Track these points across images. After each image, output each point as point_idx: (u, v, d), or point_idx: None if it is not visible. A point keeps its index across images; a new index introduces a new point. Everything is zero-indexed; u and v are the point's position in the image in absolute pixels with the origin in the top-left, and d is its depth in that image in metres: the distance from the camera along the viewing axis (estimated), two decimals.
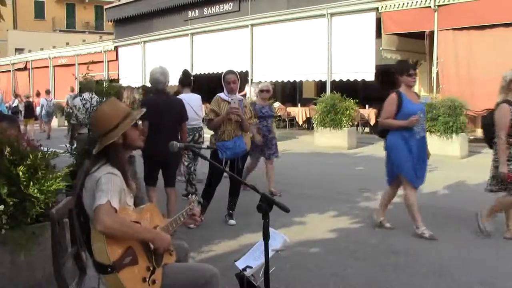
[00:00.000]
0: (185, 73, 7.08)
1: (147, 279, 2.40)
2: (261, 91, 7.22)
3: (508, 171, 4.76)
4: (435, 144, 10.82)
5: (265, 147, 6.99)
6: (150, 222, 2.60)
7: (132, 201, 2.65)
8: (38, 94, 19.71)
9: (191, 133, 6.62)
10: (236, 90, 5.50)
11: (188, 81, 6.98)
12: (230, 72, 5.59)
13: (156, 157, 5.03)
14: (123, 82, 15.07)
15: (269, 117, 7.16)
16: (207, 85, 16.88)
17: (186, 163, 6.88)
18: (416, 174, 5.06)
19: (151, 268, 2.45)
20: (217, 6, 18.86)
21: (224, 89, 5.54)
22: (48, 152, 3.45)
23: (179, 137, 5.23)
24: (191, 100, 6.66)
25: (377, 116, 6.12)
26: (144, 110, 2.79)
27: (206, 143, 6.59)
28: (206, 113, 8.15)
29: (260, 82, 7.46)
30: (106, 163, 2.52)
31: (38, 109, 17.41)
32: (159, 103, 5.09)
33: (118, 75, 20.79)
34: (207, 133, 6.44)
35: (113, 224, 2.28)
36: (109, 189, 2.37)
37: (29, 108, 16.38)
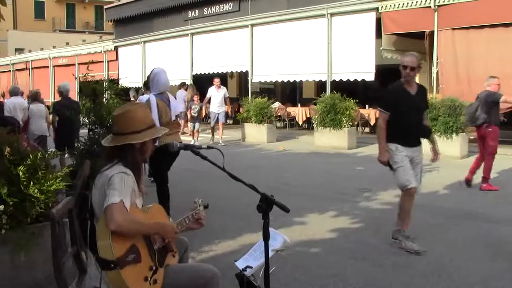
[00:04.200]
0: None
1: (149, 279, 2.41)
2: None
3: None
4: None
5: None
6: None
7: (141, 204, 2.66)
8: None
9: None
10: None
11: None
12: None
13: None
14: (123, 82, 15.06)
15: None
16: None
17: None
18: None
19: (154, 268, 2.46)
20: (217, 6, 18.84)
21: None
22: (48, 152, 3.45)
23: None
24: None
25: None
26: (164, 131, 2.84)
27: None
28: None
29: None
30: (119, 162, 2.54)
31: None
32: (67, 104, 7.96)
33: (118, 75, 20.79)
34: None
35: (126, 223, 2.30)
36: (122, 188, 2.39)
37: None
